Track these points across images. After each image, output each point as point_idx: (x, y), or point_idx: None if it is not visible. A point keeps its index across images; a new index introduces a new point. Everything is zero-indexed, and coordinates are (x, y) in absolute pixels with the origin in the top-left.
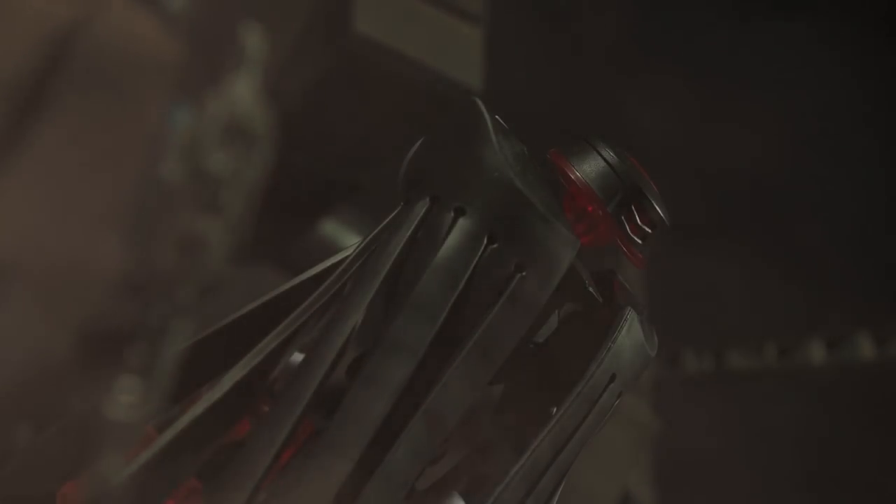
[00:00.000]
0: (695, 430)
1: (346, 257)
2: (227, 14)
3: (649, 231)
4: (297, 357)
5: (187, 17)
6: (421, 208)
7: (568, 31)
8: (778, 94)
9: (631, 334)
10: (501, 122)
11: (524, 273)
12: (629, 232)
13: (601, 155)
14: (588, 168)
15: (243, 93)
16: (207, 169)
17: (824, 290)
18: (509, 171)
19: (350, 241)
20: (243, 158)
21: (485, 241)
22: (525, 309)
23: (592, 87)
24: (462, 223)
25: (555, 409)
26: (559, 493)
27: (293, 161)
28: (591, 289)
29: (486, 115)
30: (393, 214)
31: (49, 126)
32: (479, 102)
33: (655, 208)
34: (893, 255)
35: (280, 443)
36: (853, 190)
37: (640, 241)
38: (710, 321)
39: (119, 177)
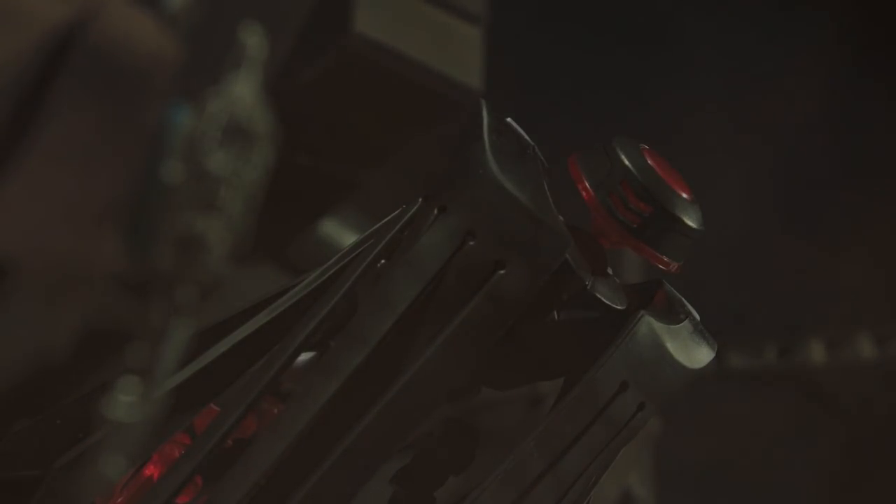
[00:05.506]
0: (695, 430)
1: (353, 255)
2: (227, 14)
3: (646, 214)
4: (304, 357)
5: (187, 17)
6: (412, 208)
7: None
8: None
9: (653, 343)
10: (509, 121)
11: (503, 271)
12: (619, 216)
13: (606, 146)
14: (587, 157)
15: (243, 93)
16: (207, 169)
17: (824, 289)
18: (494, 167)
19: (350, 242)
20: (243, 158)
21: (463, 237)
22: (503, 307)
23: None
24: (442, 219)
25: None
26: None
27: (293, 161)
28: (598, 294)
29: (484, 115)
30: (391, 216)
31: (50, 125)
32: (482, 104)
33: (643, 185)
34: (893, 255)
35: (285, 446)
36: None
37: (634, 226)
38: (712, 321)
39: (119, 176)
